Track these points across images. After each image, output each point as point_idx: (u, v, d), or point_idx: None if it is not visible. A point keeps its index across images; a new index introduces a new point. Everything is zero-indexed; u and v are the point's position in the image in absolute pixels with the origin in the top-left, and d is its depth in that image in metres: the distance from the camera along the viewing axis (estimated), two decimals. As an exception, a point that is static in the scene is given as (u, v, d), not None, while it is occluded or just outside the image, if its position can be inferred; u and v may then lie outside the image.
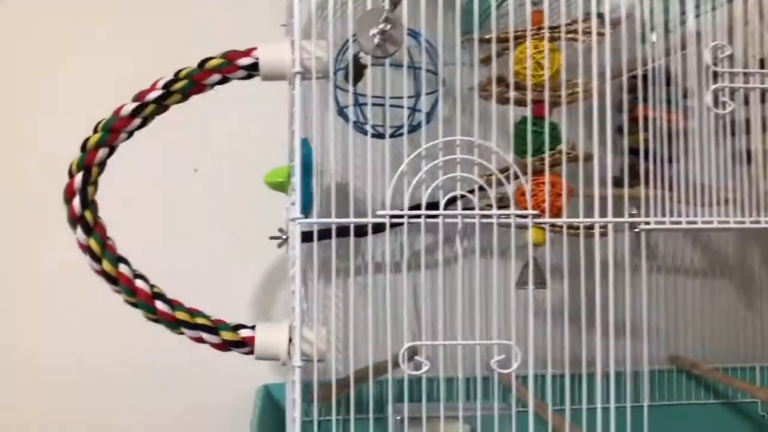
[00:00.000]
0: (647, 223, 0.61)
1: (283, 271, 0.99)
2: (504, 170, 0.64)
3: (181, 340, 0.63)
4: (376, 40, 0.55)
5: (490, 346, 0.60)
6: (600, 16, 0.71)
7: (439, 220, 0.56)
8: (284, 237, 0.86)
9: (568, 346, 0.62)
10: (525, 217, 0.58)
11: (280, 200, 0.85)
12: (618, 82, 0.76)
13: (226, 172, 1.00)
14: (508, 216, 0.57)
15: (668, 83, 0.72)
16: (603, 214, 0.63)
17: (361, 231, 0.62)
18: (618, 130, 0.79)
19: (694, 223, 0.61)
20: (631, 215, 0.70)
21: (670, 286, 1.04)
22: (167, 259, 0.94)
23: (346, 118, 0.81)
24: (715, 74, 0.67)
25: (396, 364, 0.60)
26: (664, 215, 0.65)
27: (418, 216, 0.56)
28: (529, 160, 0.64)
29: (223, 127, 0.98)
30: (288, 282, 0.86)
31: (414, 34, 0.80)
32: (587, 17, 0.72)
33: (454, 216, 0.57)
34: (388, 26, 0.54)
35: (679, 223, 0.62)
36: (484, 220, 0.57)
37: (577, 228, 0.63)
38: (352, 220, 0.57)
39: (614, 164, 0.71)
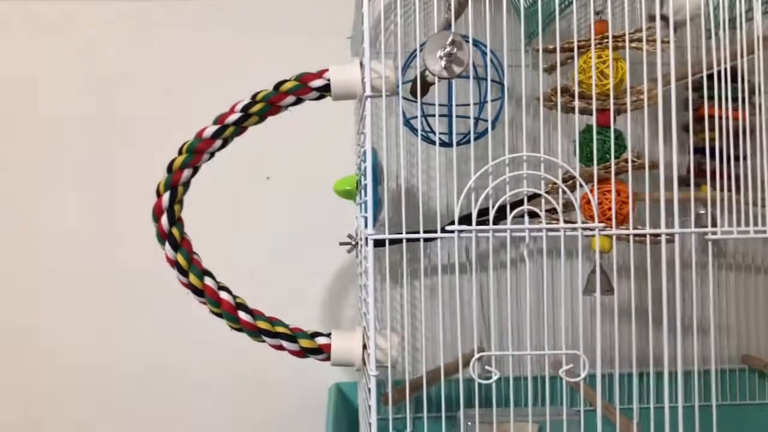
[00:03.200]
0: (714, 233, 0.61)
1: (351, 275, 1.03)
2: (569, 178, 0.65)
3: (251, 343, 0.68)
4: (443, 62, 0.57)
5: (558, 343, 0.61)
6: (664, 18, 0.71)
7: (507, 233, 0.58)
8: (353, 243, 0.89)
9: (636, 346, 0.63)
10: (592, 229, 0.59)
11: (348, 207, 0.89)
12: (683, 81, 0.76)
13: (297, 180, 1.03)
14: (575, 229, 0.59)
15: (734, 80, 0.71)
16: (670, 217, 0.64)
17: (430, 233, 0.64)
18: (684, 128, 0.80)
19: (763, 232, 0.61)
20: (697, 222, 0.70)
21: (741, 285, 1.02)
22: (241, 263, 0.99)
23: (412, 128, 0.84)
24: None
25: (465, 364, 0.62)
26: (732, 220, 0.65)
27: (486, 230, 0.58)
28: (596, 170, 0.65)
29: (294, 136, 1.02)
30: (356, 286, 0.89)
31: (477, 45, 0.82)
32: (651, 20, 0.72)
33: (522, 229, 0.58)
34: (455, 49, 0.56)
35: (747, 232, 0.62)
36: (551, 233, 0.59)
37: (644, 236, 0.64)
38: (421, 234, 0.60)
39: (680, 164, 0.71)
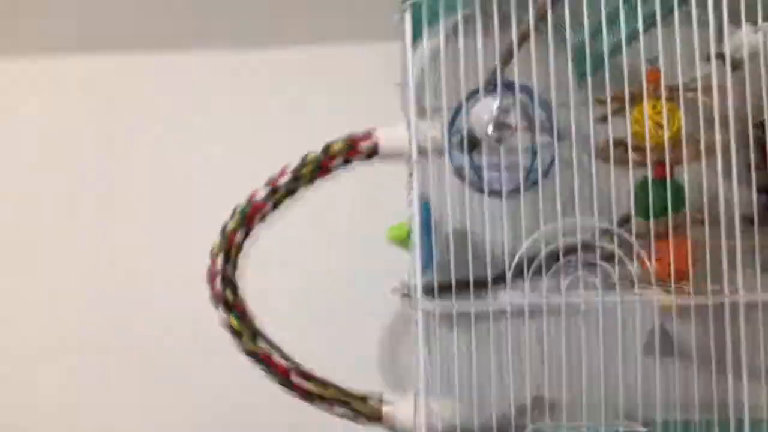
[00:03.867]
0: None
1: (404, 322, 1.02)
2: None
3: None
4: (491, 129, 0.57)
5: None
6: (721, 57, 0.69)
7: (562, 301, 0.57)
8: (405, 292, 0.88)
9: (698, 393, 0.61)
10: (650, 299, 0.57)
11: (402, 253, 0.88)
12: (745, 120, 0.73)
13: (352, 228, 1.03)
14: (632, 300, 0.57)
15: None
16: (733, 277, 0.61)
17: (484, 284, 0.63)
18: (757, 167, 0.76)
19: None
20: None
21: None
22: (298, 314, 1.00)
23: (463, 178, 0.83)
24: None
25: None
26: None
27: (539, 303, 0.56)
28: (652, 225, 0.63)
29: (348, 181, 1.02)
30: (409, 335, 0.89)
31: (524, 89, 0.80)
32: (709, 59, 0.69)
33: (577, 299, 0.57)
34: (503, 116, 0.56)
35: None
36: (608, 298, 0.57)
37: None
38: (472, 303, 0.59)
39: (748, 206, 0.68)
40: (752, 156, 0.69)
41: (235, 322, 0.66)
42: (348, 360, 0.89)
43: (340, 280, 1.03)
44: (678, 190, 0.69)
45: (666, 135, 0.67)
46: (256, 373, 0.70)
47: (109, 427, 1.04)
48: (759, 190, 0.82)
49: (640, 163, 0.68)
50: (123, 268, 1.04)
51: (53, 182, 1.06)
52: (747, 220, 0.68)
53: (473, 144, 0.70)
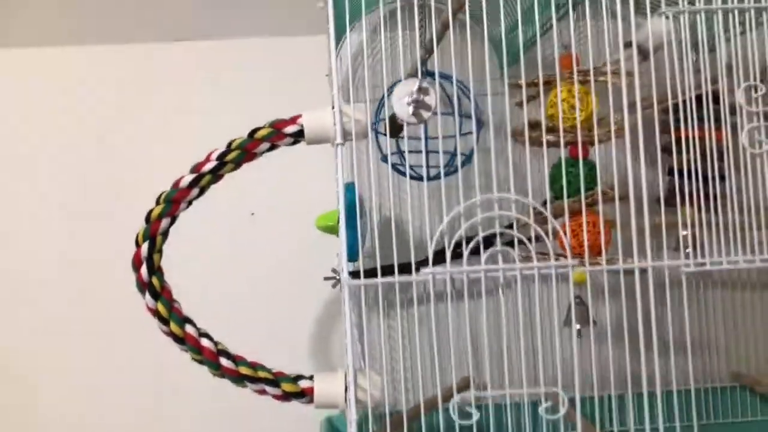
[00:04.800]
0: (687, 265, 0.62)
1: (338, 309, 1.03)
2: (542, 212, 0.66)
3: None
4: (411, 109, 0.58)
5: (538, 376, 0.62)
6: (629, 45, 0.72)
7: (481, 274, 0.59)
8: (337, 278, 0.90)
9: (615, 369, 0.64)
10: (565, 266, 0.60)
11: (332, 241, 0.89)
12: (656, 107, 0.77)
13: (281, 216, 1.04)
14: (548, 267, 0.59)
15: (717, 102, 0.72)
16: (642, 249, 0.64)
17: (407, 269, 0.65)
18: (663, 150, 0.80)
19: (736, 262, 0.62)
20: (678, 247, 0.71)
21: (729, 301, 1.03)
22: (225, 299, 1.00)
23: (391, 164, 0.85)
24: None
25: (446, 400, 0.63)
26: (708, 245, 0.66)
27: (460, 272, 0.58)
28: (566, 203, 0.66)
29: (277, 172, 1.03)
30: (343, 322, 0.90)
31: (447, 77, 0.83)
32: (626, 47, 0.73)
33: (496, 269, 0.59)
34: (421, 96, 0.57)
35: (720, 263, 0.62)
36: (526, 272, 0.59)
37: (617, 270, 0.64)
38: (396, 279, 0.60)
39: (655, 186, 0.71)
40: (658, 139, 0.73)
41: (162, 309, 0.66)
42: (280, 349, 0.90)
43: (271, 269, 1.04)
44: (591, 169, 0.72)
45: (579, 116, 0.70)
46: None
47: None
48: (669, 173, 0.87)
49: (555, 144, 0.71)
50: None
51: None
52: (655, 201, 0.72)
53: (397, 129, 0.71)
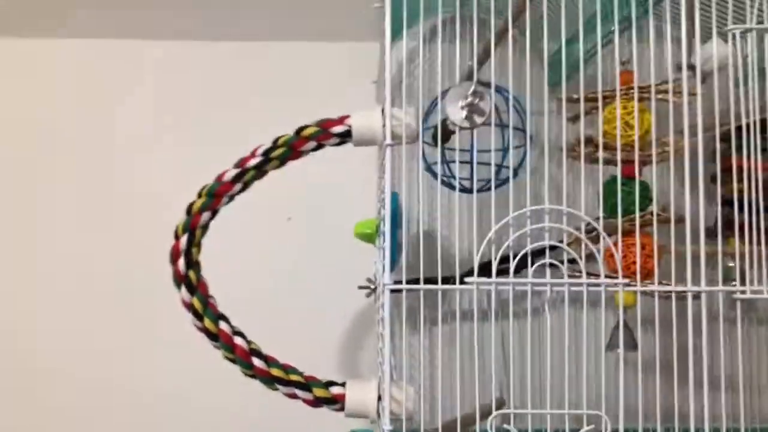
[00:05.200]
0: (743, 291, 0.59)
1: (371, 319, 1.02)
2: (591, 231, 0.64)
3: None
4: (464, 113, 0.57)
5: (580, 399, 0.60)
6: (692, 68, 0.70)
7: (528, 287, 0.57)
8: (372, 287, 0.88)
9: (661, 402, 0.61)
10: (615, 285, 0.57)
11: (368, 250, 0.88)
12: (711, 132, 0.74)
13: (317, 222, 1.03)
14: (598, 285, 0.57)
15: (764, 131, 0.70)
16: (696, 275, 0.62)
17: (448, 281, 0.63)
18: (712, 179, 0.78)
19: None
20: (726, 276, 0.68)
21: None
22: (258, 304, 0.99)
23: (434, 174, 0.83)
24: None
25: (484, 416, 0.61)
26: (762, 276, 0.63)
27: (506, 283, 0.56)
28: (620, 221, 0.63)
29: (316, 177, 1.02)
30: (375, 330, 0.88)
31: (501, 91, 0.81)
32: (678, 70, 0.71)
33: (543, 283, 0.57)
34: (476, 100, 0.56)
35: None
36: (574, 288, 0.57)
37: (670, 292, 0.62)
38: (440, 286, 0.59)
39: (707, 216, 0.69)
40: (718, 168, 0.70)
41: (198, 304, 0.65)
42: (309, 355, 0.88)
43: (305, 274, 1.02)
44: (645, 189, 0.70)
45: (637, 134, 0.68)
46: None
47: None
48: (721, 203, 0.84)
49: (610, 162, 0.69)
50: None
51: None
52: (708, 231, 0.69)
53: (447, 136, 0.70)
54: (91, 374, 1.02)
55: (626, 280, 0.57)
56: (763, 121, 0.68)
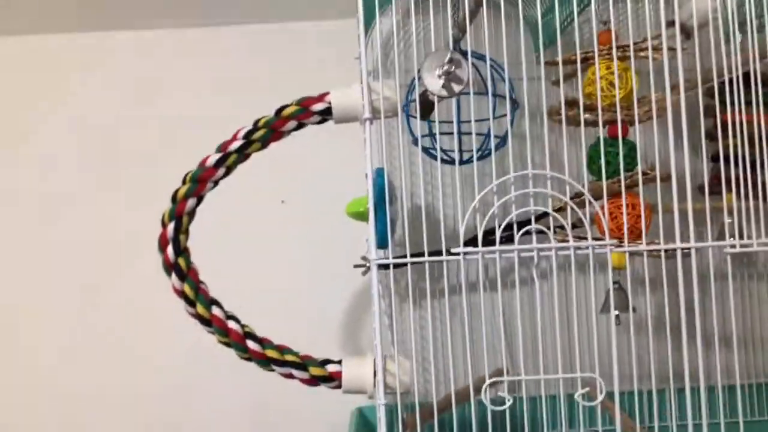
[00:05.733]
0: (733, 246, 0.59)
1: (368, 297, 1.02)
2: (579, 194, 0.63)
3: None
4: (442, 80, 0.56)
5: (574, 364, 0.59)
6: (673, 24, 0.69)
7: (515, 254, 0.56)
8: (367, 265, 0.88)
9: (656, 362, 0.61)
10: (603, 246, 0.57)
11: (362, 228, 0.88)
12: (696, 89, 0.73)
13: (312, 203, 1.03)
14: (586, 247, 0.57)
15: (766, 84, 0.69)
16: (685, 232, 0.62)
17: (438, 254, 0.63)
18: (707, 135, 0.77)
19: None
20: (721, 234, 0.67)
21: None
22: (255, 287, 0.99)
23: (423, 147, 0.83)
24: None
25: (478, 391, 0.61)
26: (759, 230, 0.62)
27: (492, 252, 0.56)
28: (605, 183, 0.63)
29: (308, 158, 1.01)
30: (369, 312, 0.88)
31: (481, 58, 0.80)
32: (670, 25, 0.69)
33: (530, 249, 0.56)
34: (453, 67, 0.55)
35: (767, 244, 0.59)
36: (561, 252, 0.57)
37: (659, 251, 0.61)
38: (426, 258, 0.58)
39: (695, 173, 0.68)
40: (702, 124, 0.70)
41: (189, 290, 0.65)
42: (308, 336, 0.89)
43: (301, 256, 1.02)
44: (631, 149, 0.69)
45: (618, 94, 0.67)
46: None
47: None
48: (710, 159, 0.83)
49: (594, 123, 0.68)
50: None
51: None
52: (697, 188, 0.69)
53: (429, 108, 0.69)
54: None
55: (614, 241, 0.57)
56: (746, 74, 0.67)
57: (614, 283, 0.68)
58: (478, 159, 0.79)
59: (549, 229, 0.57)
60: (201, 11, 1.02)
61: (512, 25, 0.69)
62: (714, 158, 0.82)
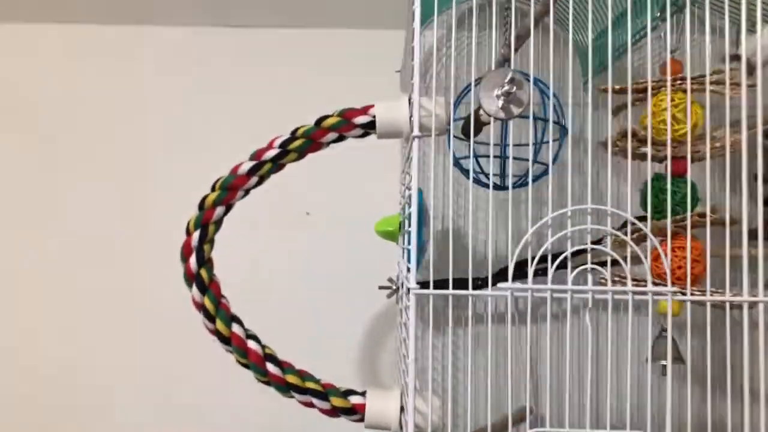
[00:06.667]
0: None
1: (391, 320, 0.97)
2: (635, 231, 0.59)
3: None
4: (500, 102, 0.52)
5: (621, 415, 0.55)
6: (736, 58, 0.65)
7: (567, 295, 0.52)
8: (394, 288, 0.83)
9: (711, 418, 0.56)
10: (663, 294, 0.52)
11: (390, 248, 0.83)
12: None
13: (337, 218, 0.99)
14: (644, 293, 0.52)
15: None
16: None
17: (476, 283, 0.58)
18: (754, 177, 0.72)
19: None
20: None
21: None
22: (275, 301, 0.95)
23: (462, 169, 0.78)
24: None
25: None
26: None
27: (544, 290, 0.51)
28: (669, 223, 0.58)
29: (336, 171, 0.98)
30: (396, 331, 0.84)
31: (536, 82, 0.76)
32: (730, 60, 0.65)
33: (584, 291, 0.52)
34: (514, 88, 0.51)
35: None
36: (618, 297, 0.52)
37: (723, 301, 0.56)
38: (470, 291, 0.54)
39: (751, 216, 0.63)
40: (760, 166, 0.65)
41: (209, 304, 0.61)
42: (326, 357, 0.84)
43: (323, 272, 0.98)
44: (693, 188, 0.64)
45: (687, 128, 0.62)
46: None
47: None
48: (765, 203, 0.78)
49: (655, 158, 0.64)
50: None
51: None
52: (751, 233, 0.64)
53: (478, 127, 0.65)
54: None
55: (675, 288, 0.52)
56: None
57: (663, 330, 0.63)
58: (519, 186, 0.75)
59: (600, 265, 0.52)
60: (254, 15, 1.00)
61: (560, 49, 0.64)
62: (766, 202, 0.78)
